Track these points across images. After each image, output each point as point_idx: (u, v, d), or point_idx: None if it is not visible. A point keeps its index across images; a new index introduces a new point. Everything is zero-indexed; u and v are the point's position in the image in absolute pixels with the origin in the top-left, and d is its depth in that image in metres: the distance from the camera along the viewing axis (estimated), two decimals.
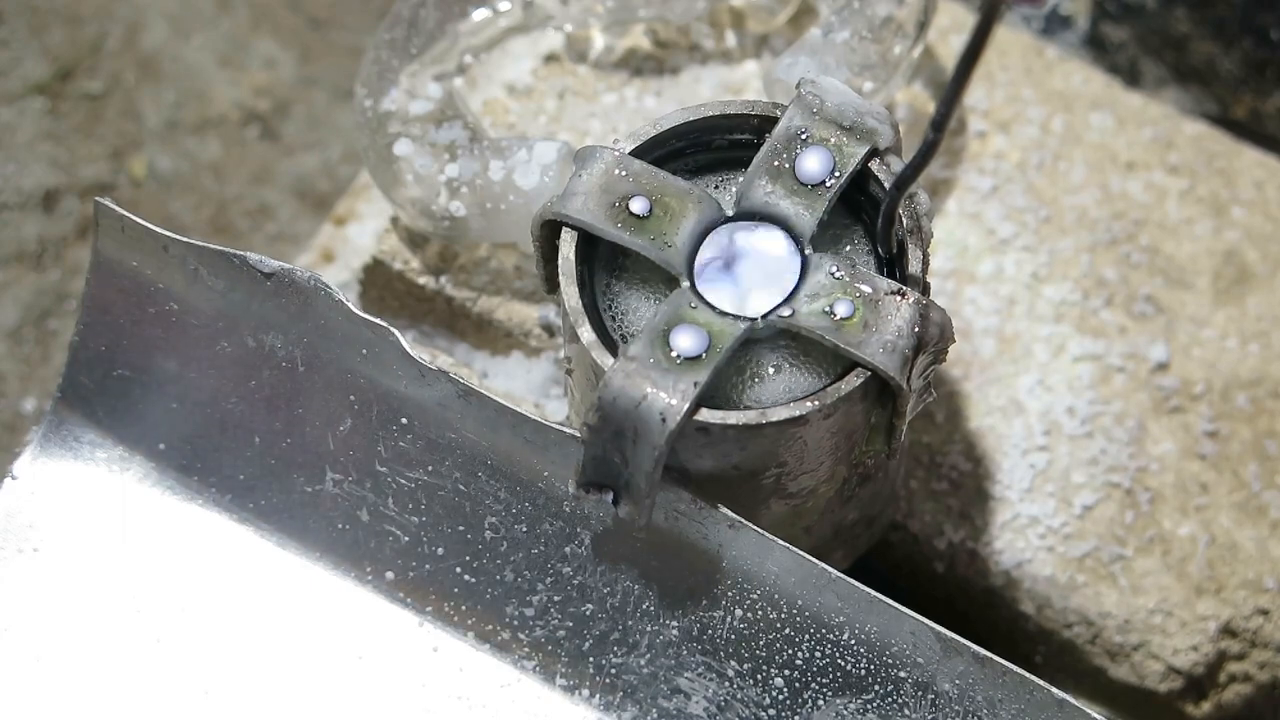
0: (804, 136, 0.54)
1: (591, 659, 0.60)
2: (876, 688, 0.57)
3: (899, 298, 0.52)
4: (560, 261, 0.54)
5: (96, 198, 0.61)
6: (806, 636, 0.58)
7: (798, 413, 0.52)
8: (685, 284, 0.53)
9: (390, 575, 0.62)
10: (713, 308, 0.53)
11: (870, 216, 0.55)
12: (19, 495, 0.64)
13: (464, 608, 0.61)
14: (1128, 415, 0.73)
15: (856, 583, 0.57)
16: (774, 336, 0.54)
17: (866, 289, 0.52)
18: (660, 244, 0.53)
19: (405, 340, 0.59)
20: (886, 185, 0.54)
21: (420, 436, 0.60)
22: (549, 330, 0.72)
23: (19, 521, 0.64)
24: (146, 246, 0.61)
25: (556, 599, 0.60)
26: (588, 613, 0.60)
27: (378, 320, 0.59)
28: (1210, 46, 0.90)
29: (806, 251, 0.54)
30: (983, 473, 0.72)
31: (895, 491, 0.69)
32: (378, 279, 0.75)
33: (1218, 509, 0.72)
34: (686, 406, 0.50)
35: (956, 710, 0.57)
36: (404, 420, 0.60)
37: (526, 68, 0.76)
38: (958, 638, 0.57)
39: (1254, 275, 0.76)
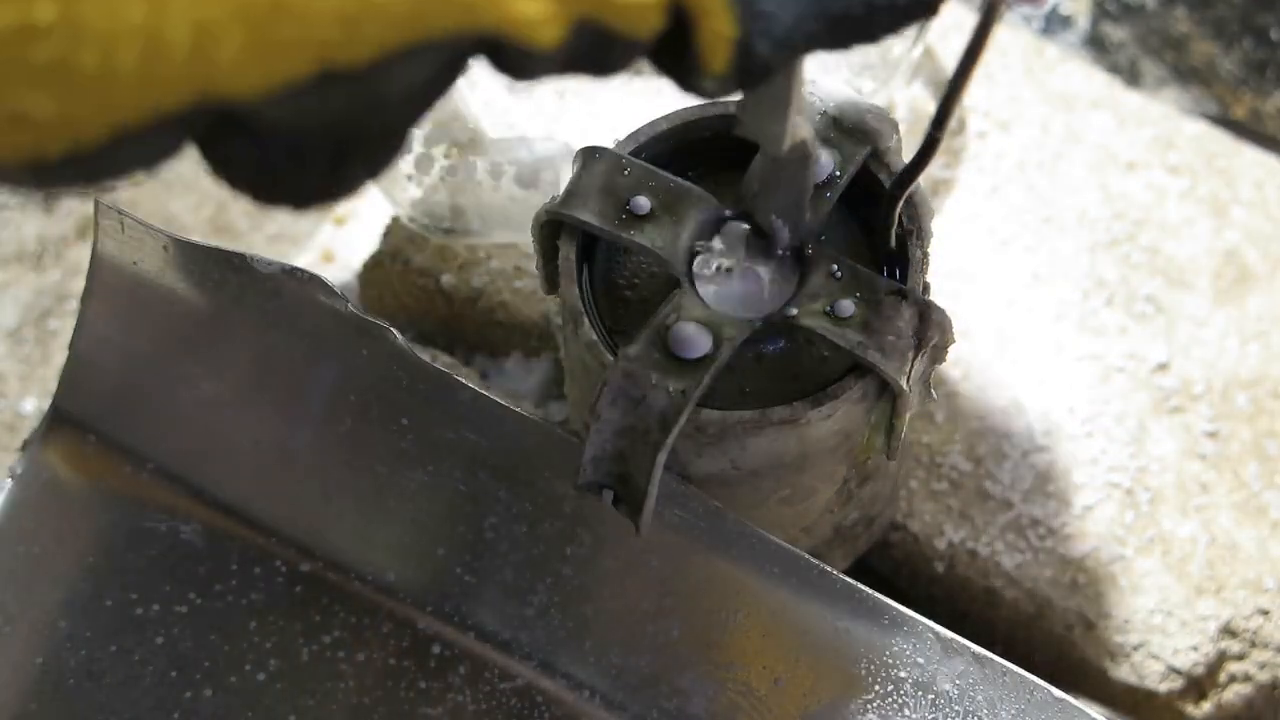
0: None
1: (593, 659, 0.60)
2: (876, 688, 0.57)
3: (899, 298, 0.52)
4: (560, 261, 0.54)
5: (96, 198, 0.61)
6: (807, 637, 0.58)
7: (797, 413, 0.52)
8: (685, 283, 0.53)
9: (390, 575, 0.62)
10: (713, 308, 0.53)
11: (871, 216, 0.55)
12: (19, 495, 0.64)
13: (464, 608, 0.61)
14: (1128, 415, 0.73)
15: (856, 583, 0.57)
16: (774, 336, 0.54)
17: (867, 289, 0.52)
18: (661, 244, 0.53)
19: (405, 340, 0.59)
20: (887, 185, 0.54)
21: (420, 436, 0.60)
22: (549, 330, 0.72)
23: (19, 522, 0.64)
24: (146, 246, 0.61)
25: (556, 599, 0.60)
26: (588, 613, 0.60)
27: (377, 320, 0.59)
28: (1210, 46, 0.90)
29: (807, 251, 0.54)
30: (983, 473, 0.72)
31: (895, 491, 0.69)
32: (378, 279, 0.75)
33: (1218, 509, 0.72)
34: (687, 407, 0.50)
35: (956, 710, 0.57)
36: (404, 420, 0.60)
37: None
38: (958, 638, 0.57)
39: (1254, 275, 0.76)
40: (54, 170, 0.31)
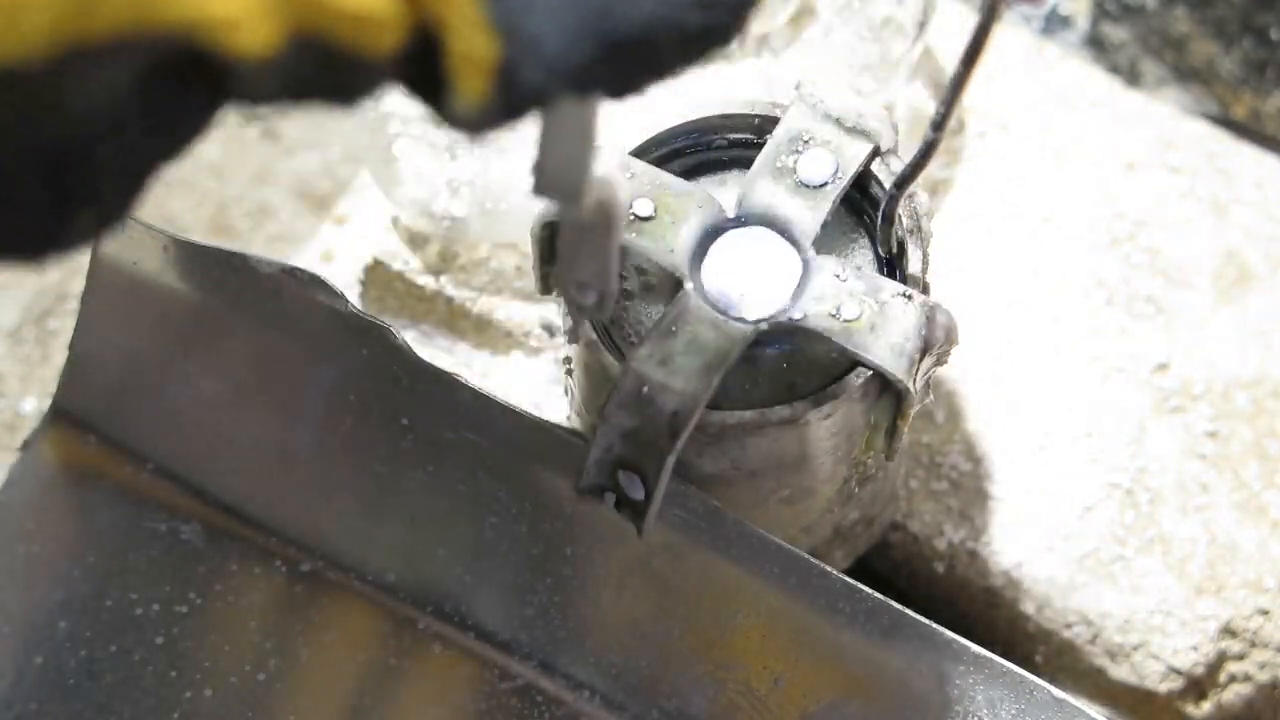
0: (805, 138, 0.54)
1: (593, 659, 0.60)
2: (876, 688, 0.57)
3: (905, 300, 0.52)
4: None
5: None
6: (807, 637, 0.57)
7: (798, 413, 0.52)
8: (689, 286, 0.53)
9: (390, 576, 0.62)
10: (718, 310, 0.53)
11: (871, 217, 0.55)
12: (19, 495, 0.64)
13: (464, 608, 0.61)
14: (1128, 415, 0.73)
15: (857, 583, 0.57)
16: (776, 338, 0.54)
17: (872, 291, 0.52)
18: (664, 245, 0.53)
19: (405, 340, 0.59)
20: (887, 185, 0.53)
21: (420, 436, 0.60)
22: (549, 330, 0.72)
23: (19, 522, 0.64)
24: (146, 246, 0.61)
25: (556, 599, 0.60)
26: (588, 613, 0.60)
27: (378, 320, 0.59)
28: (1210, 46, 0.90)
29: (810, 253, 0.54)
30: (983, 473, 0.72)
31: (895, 491, 0.69)
32: (378, 279, 0.75)
33: (1218, 509, 0.71)
34: (697, 414, 0.50)
35: (957, 710, 0.57)
36: (404, 420, 0.60)
37: None
38: (958, 638, 0.57)
39: (1254, 275, 0.76)
40: None
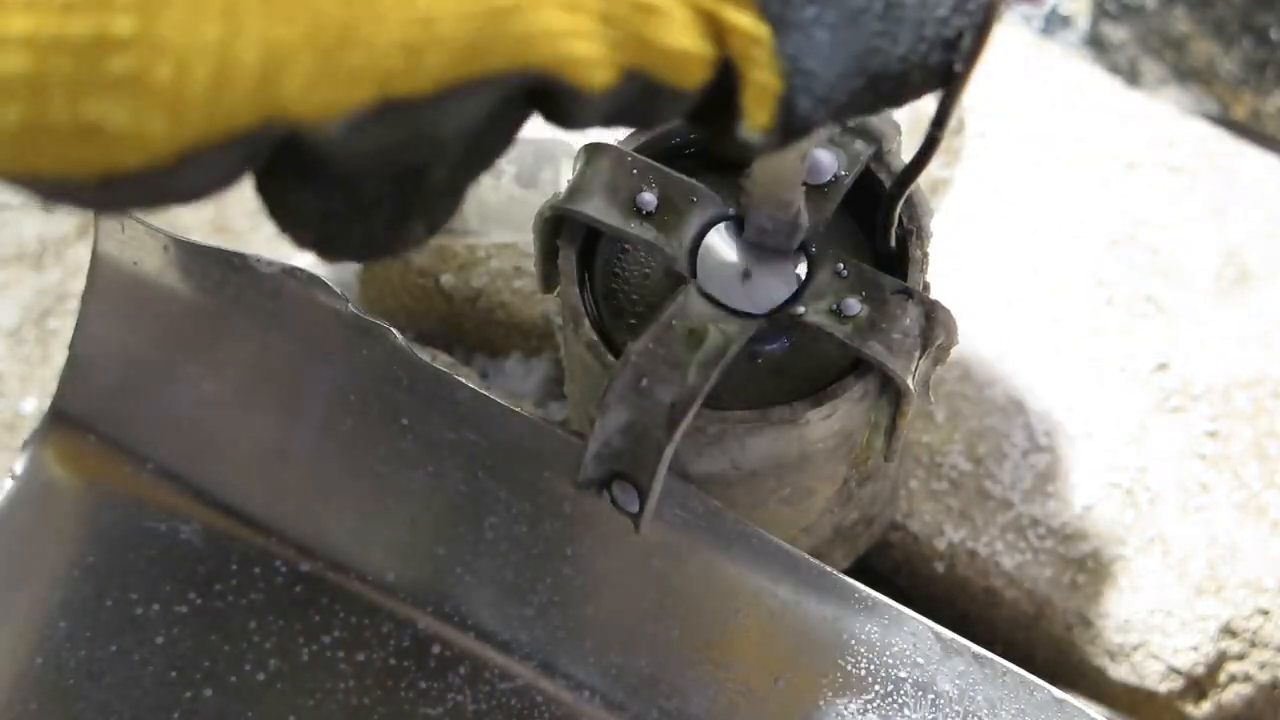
0: None
1: (592, 659, 0.60)
2: (876, 688, 0.57)
3: (905, 297, 0.52)
4: (560, 260, 0.54)
5: None
6: (807, 637, 0.57)
7: (798, 413, 0.52)
8: (691, 281, 0.53)
9: (390, 575, 0.62)
10: (719, 305, 0.53)
11: (871, 215, 0.55)
12: (19, 495, 0.64)
13: (464, 608, 0.61)
14: (1128, 415, 0.73)
15: (856, 583, 0.57)
16: (777, 335, 0.54)
17: (873, 288, 0.52)
18: (665, 240, 0.53)
19: (404, 340, 0.59)
20: (888, 184, 0.53)
21: (420, 436, 0.60)
22: (549, 330, 0.72)
23: (19, 522, 0.64)
24: (146, 246, 0.61)
25: (556, 599, 0.60)
26: (588, 613, 0.60)
27: (377, 320, 0.59)
28: (1210, 46, 0.90)
29: (812, 250, 0.54)
30: (983, 473, 0.72)
31: (895, 491, 0.69)
32: (378, 279, 0.75)
33: (1218, 509, 0.71)
34: (694, 407, 0.50)
35: (956, 710, 0.57)
36: (404, 420, 0.60)
37: None
38: (958, 638, 0.56)
39: (1254, 275, 0.76)
40: (122, 188, 0.32)
